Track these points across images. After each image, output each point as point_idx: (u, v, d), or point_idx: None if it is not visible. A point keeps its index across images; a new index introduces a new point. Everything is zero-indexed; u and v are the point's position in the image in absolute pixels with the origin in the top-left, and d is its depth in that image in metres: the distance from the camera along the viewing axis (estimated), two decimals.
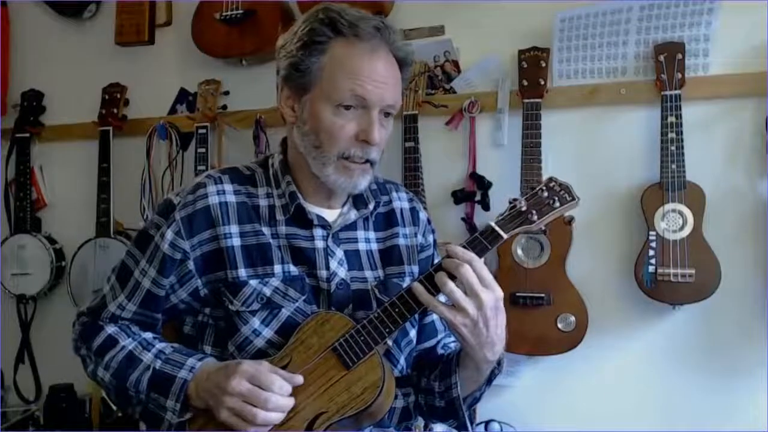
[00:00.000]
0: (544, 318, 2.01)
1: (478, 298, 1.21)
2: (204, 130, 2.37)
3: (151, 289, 1.36)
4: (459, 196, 2.18)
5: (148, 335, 1.39)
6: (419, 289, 1.24)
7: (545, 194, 1.28)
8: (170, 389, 1.28)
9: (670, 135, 1.91)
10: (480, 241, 1.25)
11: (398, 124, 2.17)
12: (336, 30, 1.31)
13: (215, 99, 2.40)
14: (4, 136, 2.70)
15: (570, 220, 1.22)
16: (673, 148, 1.91)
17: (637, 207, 1.99)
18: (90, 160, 2.52)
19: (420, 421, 1.91)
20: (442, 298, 1.24)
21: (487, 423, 2.12)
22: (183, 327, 1.44)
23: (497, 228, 1.26)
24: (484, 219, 2.14)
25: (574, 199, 1.28)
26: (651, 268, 1.92)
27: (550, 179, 1.30)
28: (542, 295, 2.01)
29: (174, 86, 2.55)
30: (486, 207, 2.15)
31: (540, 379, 2.15)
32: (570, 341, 2.01)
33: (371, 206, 1.43)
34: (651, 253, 1.92)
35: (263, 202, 1.38)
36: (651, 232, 1.93)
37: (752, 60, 1.95)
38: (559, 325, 2.01)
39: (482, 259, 1.24)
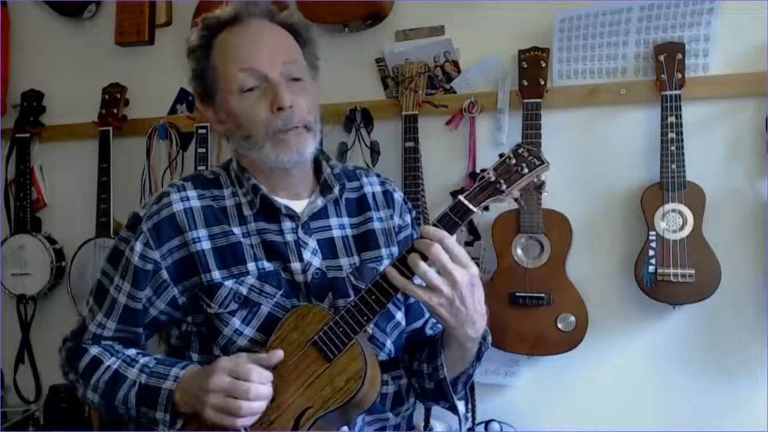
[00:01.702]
0: (544, 318, 2.01)
1: (452, 277, 1.20)
2: (204, 130, 2.37)
3: (128, 303, 1.36)
4: None
5: (132, 352, 1.39)
6: (393, 272, 1.22)
7: (513, 161, 1.24)
8: (158, 401, 1.28)
9: (670, 135, 1.91)
10: (450, 217, 1.23)
11: (398, 124, 2.17)
12: (210, 28, 1.37)
13: None
14: (4, 136, 2.70)
15: (541, 185, 1.18)
16: (673, 148, 1.91)
17: (637, 207, 1.99)
18: (90, 160, 2.52)
19: (420, 420, 1.92)
20: (417, 279, 1.23)
21: (487, 423, 2.12)
22: (170, 339, 1.45)
23: (466, 202, 1.23)
24: (483, 218, 2.14)
25: (543, 163, 1.24)
26: (651, 268, 1.92)
27: (518, 146, 1.26)
28: (542, 295, 2.00)
29: (174, 86, 2.54)
30: (486, 207, 2.14)
31: (540, 379, 2.15)
32: (570, 341, 2.01)
33: (336, 189, 1.42)
34: (651, 253, 1.92)
35: (230, 202, 1.39)
36: (651, 232, 1.93)
37: (752, 60, 1.95)
38: (559, 325, 2.00)
39: (454, 236, 1.22)
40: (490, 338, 1.39)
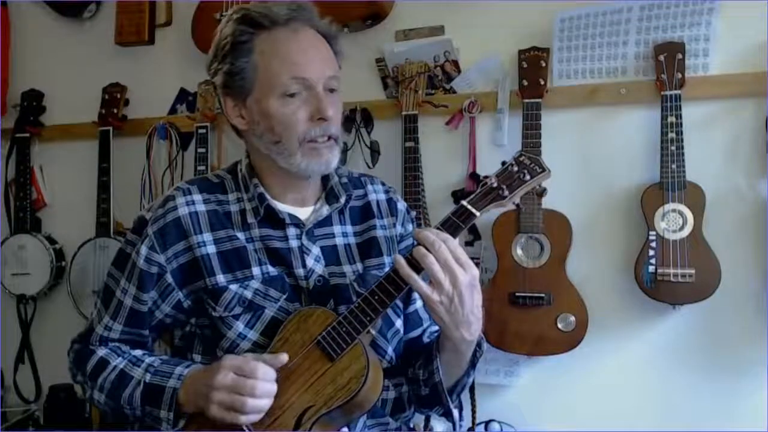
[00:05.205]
0: (544, 318, 2.01)
1: (453, 274, 1.22)
2: (204, 130, 2.37)
3: (134, 306, 1.37)
4: (459, 196, 2.17)
5: (138, 352, 1.40)
6: (402, 262, 1.23)
7: (515, 169, 1.28)
8: (162, 399, 1.29)
9: (670, 135, 1.91)
10: (453, 221, 1.26)
11: (398, 124, 2.17)
12: (254, 25, 1.33)
13: (215, 99, 2.39)
14: (4, 136, 2.70)
15: (542, 192, 1.21)
16: (673, 148, 1.91)
17: (637, 207, 1.99)
18: (90, 160, 2.52)
19: (420, 420, 1.92)
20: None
21: (487, 423, 2.12)
22: (173, 339, 1.47)
23: (469, 206, 1.27)
24: (484, 218, 2.13)
25: (544, 170, 1.28)
26: (651, 268, 1.92)
27: (520, 153, 1.31)
28: (542, 295, 2.00)
29: (174, 86, 2.55)
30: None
31: (540, 379, 2.15)
32: (570, 341, 2.01)
33: (342, 199, 1.43)
34: (651, 253, 1.92)
35: (234, 208, 1.39)
36: (651, 232, 1.93)
37: (752, 60, 1.95)
38: (559, 325, 2.00)
39: (456, 240, 1.25)
40: (485, 345, 1.40)
